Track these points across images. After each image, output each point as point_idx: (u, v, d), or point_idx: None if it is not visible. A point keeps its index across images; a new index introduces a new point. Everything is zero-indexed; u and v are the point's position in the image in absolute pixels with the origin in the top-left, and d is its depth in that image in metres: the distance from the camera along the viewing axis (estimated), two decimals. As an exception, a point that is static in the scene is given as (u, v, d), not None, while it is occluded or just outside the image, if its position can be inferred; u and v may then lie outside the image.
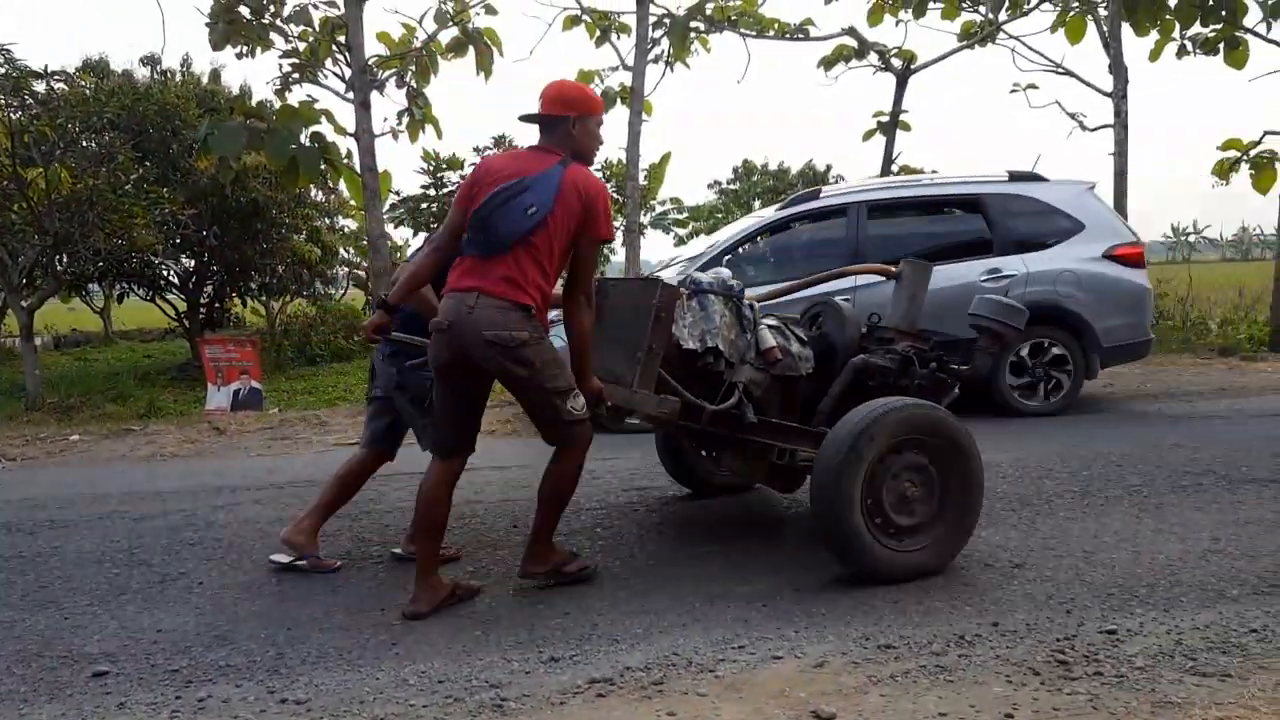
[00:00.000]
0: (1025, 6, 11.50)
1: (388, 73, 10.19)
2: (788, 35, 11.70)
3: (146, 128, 10.68)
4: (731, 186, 26.36)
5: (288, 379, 11.59)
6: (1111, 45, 10.52)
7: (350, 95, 9.48)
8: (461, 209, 3.29)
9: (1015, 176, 7.11)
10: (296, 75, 9.96)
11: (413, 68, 10.34)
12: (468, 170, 12.90)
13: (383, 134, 9.77)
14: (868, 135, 12.58)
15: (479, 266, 3.21)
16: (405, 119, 10.55)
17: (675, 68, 11.93)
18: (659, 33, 11.38)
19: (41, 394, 9.15)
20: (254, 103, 10.36)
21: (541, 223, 3.15)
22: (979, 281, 6.56)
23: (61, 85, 10.29)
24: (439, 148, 12.87)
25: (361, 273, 15.38)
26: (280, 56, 9.79)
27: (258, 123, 8.76)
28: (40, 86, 9.87)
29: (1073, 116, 11.45)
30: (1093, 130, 11.22)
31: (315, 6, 9.52)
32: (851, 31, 11.81)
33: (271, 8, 9.43)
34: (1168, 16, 10.53)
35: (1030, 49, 11.71)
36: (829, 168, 24.54)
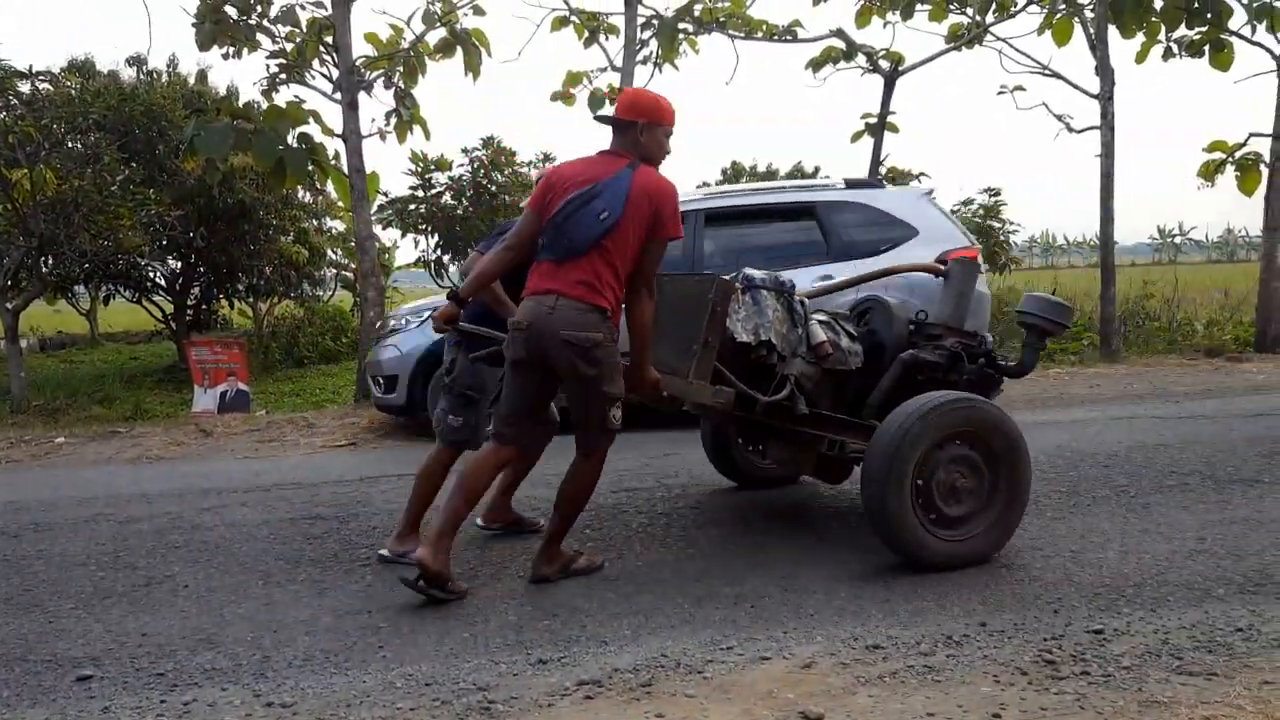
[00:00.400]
0: (1012, 8, 11.55)
1: (375, 73, 10.17)
2: (776, 37, 11.72)
3: (133, 128, 10.60)
4: (721, 188, 26.39)
5: (275, 381, 11.54)
6: (1098, 47, 10.58)
7: (338, 96, 9.45)
8: (535, 213, 3.43)
9: (852, 184, 7.18)
10: (284, 76, 9.92)
11: (400, 68, 10.32)
12: (456, 172, 12.87)
13: (370, 135, 9.75)
14: (855, 137, 12.62)
15: (556, 270, 3.36)
16: (393, 120, 10.52)
17: (664, 69, 11.96)
18: (647, 34, 11.39)
19: (27, 396, 9.08)
20: (241, 104, 10.34)
21: (613, 227, 3.30)
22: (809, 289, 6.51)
23: (46, 86, 10.22)
24: (427, 149, 12.79)
25: (349, 274, 15.32)
26: (267, 57, 9.76)
27: (245, 124, 8.73)
28: (25, 87, 9.80)
29: (1059, 118, 11.50)
30: (1079, 132, 11.27)
31: (302, 7, 9.50)
32: (839, 33, 11.84)
33: (258, 8, 9.40)
34: (1154, 19, 10.61)
35: (1017, 51, 11.76)
36: (817, 169, 24.53)
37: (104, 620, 3.37)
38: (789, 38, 11.77)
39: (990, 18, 11.64)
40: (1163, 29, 10.76)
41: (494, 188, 12.61)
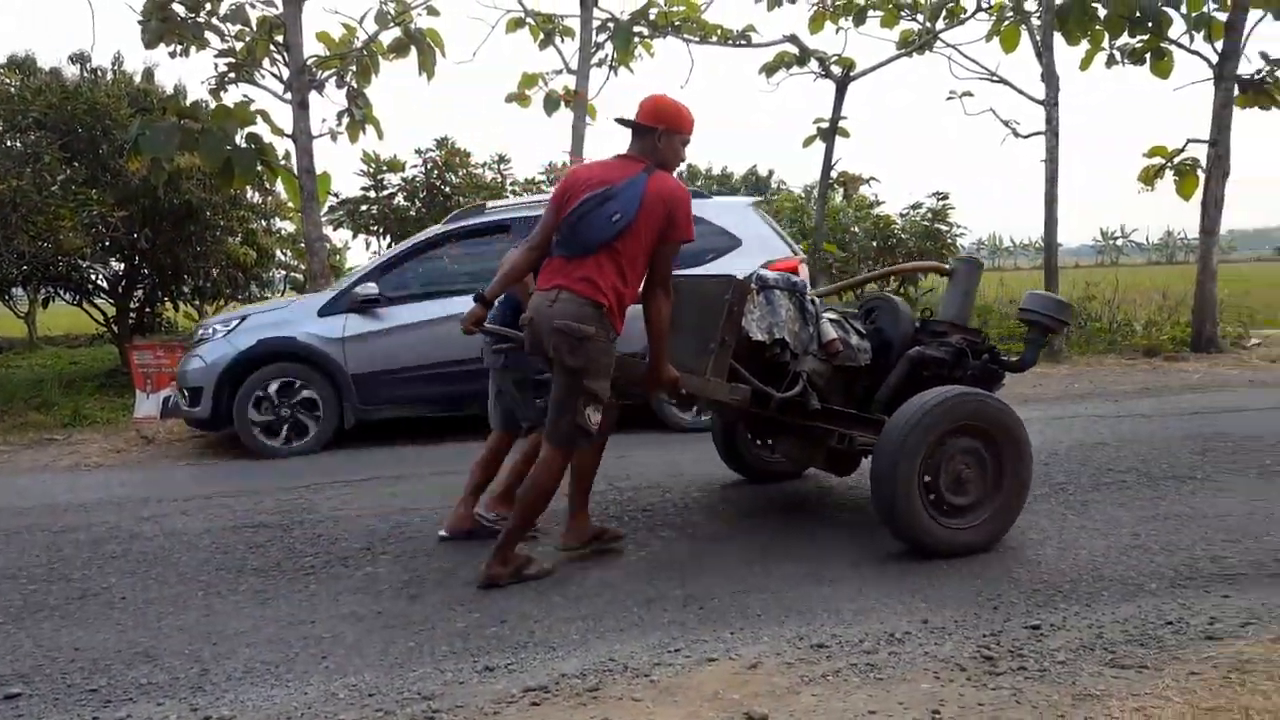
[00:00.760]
0: (962, 15, 11.76)
1: (327, 73, 10.05)
2: (730, 41, 11.79)
3: (75, 127, 10.34)
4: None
5: (223, 385, 11.29)
6: (1044, 54, 10.79)
7: (288, 96, 9.32)
8: (555, 212, 3.55)
9: None
10: (232, 75, 9.77)
11: (353, 68, 10.21)
12: (409, 172, 12.77)
13: (321, 135, 9.63)
14: (808, 141, 12.74)
15: (564, 267, 3.49)
16: (345, 120, 10.41)
17: (619, 72, 11.97)
18: (603, 37, 11.39)
19: (-40, 403, 8.80)
20: (188, 103, 10.12)
21: (625, 229, 3.41)
22: None
23: (-16, 83, 9.93)
24: (380, 149, 12.68)
25: (299, 275, 15.09)
26: (216, 56, 9.61)
27: (192, 123, 8.58)
28: (-40, 84, 9.51)
29: (1006, 124, 11.72)
30: (1026, 137, 11.50)
31: (252, 5, 9.36)
32: (793, 39, 11.94)
33: (207, 6, 9.23)
34: (1098, 27, 10.87)
35: (966, 57, 11.96)
36: (771, 173, 24.86)
37: (34, 635, 3.27)
38: (743, 42, 11.85)
39: (940, 24, 11.85)
40: (1106, 37, 11.03)
41: (448, 189, 12.52)
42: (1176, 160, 11.16)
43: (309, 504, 4.90)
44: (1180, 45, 10.83)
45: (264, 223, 13.68)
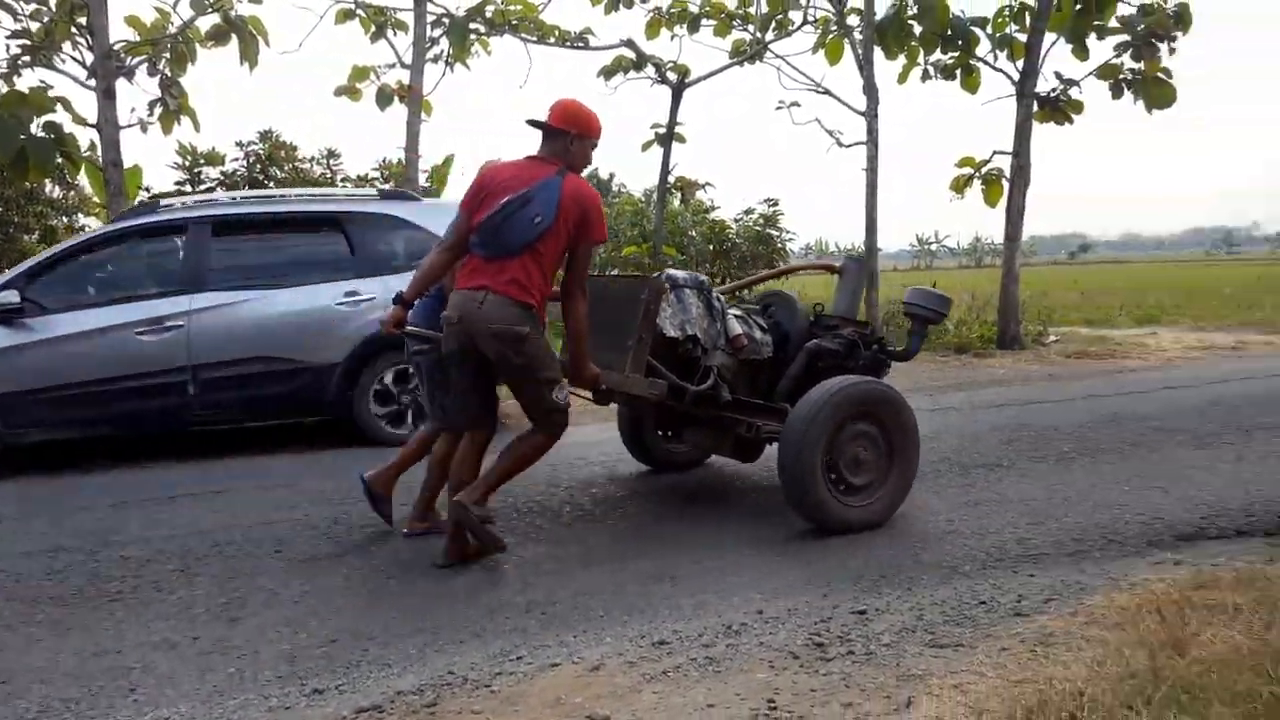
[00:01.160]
0: (789, 28, 12.25)
1: (137, 59, 9.36)
2: (568, 43, 11.80)
3: None
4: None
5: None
6: (864, 68, 11.38)
7: (92, 82, 8.62)
8: (468, 213, 3.67)
9: (387, 195, 6.96)
10: (27, 58, 8.97)
11: (167, 55, 9.55)
12: (229, 166, 12.08)
13: (130, 125, 8.99)
14: (645, 146, 12.93)
15: (487, 267, 3.60)
16: (158, 109, 9.73)
17: (455, 68, 11.75)
18: (438, 32, 11.15)
19: None
20: (-26, 87, 9.20)
21: (546, 231, 3.55)
22: (334, 305, 6.25)
23: None
24: (197, 141, 11.95)
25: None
26: (8, 37, 8.84)
27: (-22, 110, 7.81)
28: None
29: (831, 133, 12.28)
30: (848, 147, 12.09)
31: (50, -18, 8.60)
32: (629, 43, 12.09)
33: (-4, -20, 8.42)
34: (913, 43, 11.58)
35: (794, 68, 12.48)
36: (612, 176, 25.05)
37: None
38: (580, 45, 11.89)
39: (770, 35, 12.29)
40: (921, 52, 11.76)
41: (272, 184, 11.92)
42: (984, 170, 12.03)
43: (117, 524, 4.52)
44: (986, 63, 11.69)
45: (65, 219, 12.62)
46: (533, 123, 3.75)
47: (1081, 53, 11.35)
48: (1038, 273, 32.90)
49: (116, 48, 8.75)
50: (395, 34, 11.25)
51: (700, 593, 3.41)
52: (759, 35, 12.29)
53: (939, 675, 2.64)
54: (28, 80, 9.16)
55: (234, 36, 9.68)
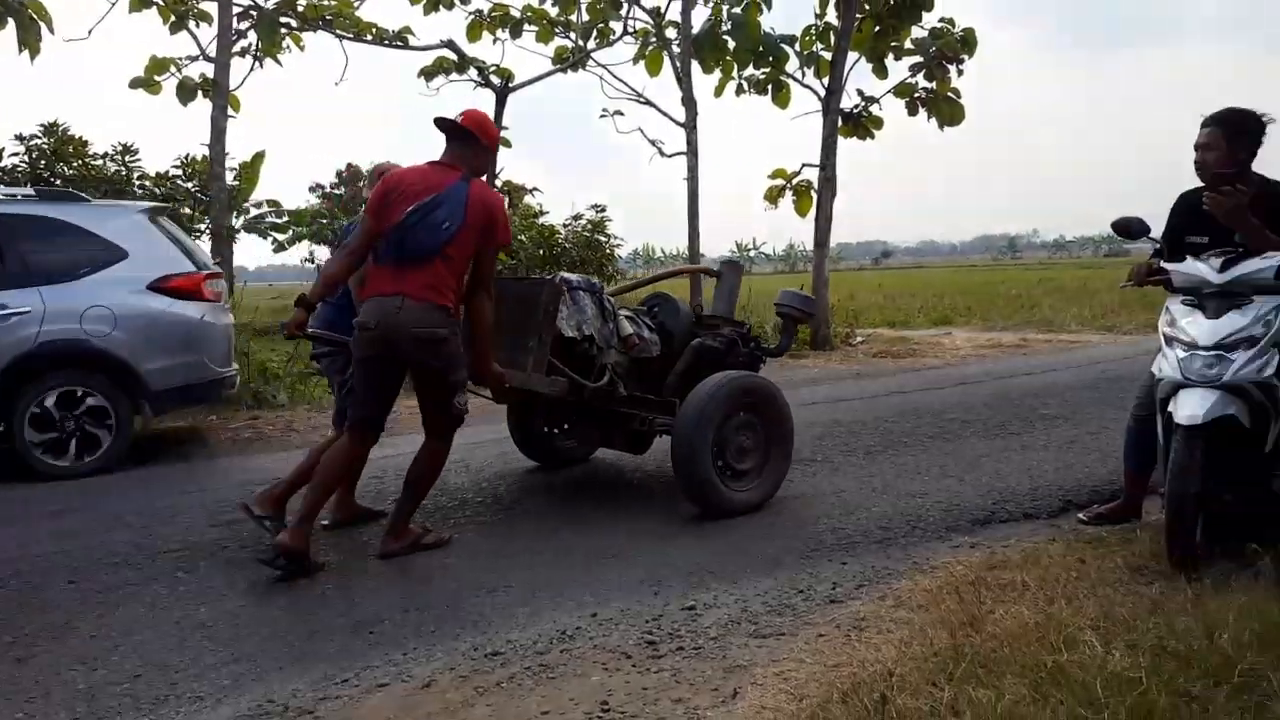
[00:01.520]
0: (611, 38, 12.44)
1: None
2: (385, 41, 11.48)
3: None
4: (336, 191, 25.25)
5: None
6: (683, 80, 11.72)
7: None
8: (374, 218, 3.72)
9: (46, 196, 6.38)
10: None
11: (-77, 38, 8.55)
12: (8, 161, 10.99)
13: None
14: (470, 148, 12.74)
15: (399, 273, 3.66)
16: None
17: (266, 63, 11.17)
18: (246, 25, 10.57)
19: None
20: None
21: (455, 235, 3.64)
22: None
23: None
24: (-35, 134, 10.77)
25: None
26: None
27: None
28: None
29: (653, 143, 12.56)
30: (670, 156, 12.41)
31: None
32: (450, 44, 11.91)
33: None
34: (728, 58, 12.03)
35: (616, 77, 12.66)
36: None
37: None
38: (399, 44, 11.59)
39: (591, 44, 12.43)
40: (735, 67, 12.23)
41: (59, 181, 10.90)
42: (794, 181, 12.65)
43: None
44: (796, 79, 12.32)
45: None
46: (444, 123, 3.84)
47: (881, 72, 12.17)
48: (845, 277, 34.86)
49: None
50: (198, 25, 10.58)
51: (533, 600, 3.40)
52: (581, 43, 12.41)
53: (763, 665, 2.77)
54: None
55: (10, 21, 8.80)
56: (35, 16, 8.95)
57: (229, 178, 10.30)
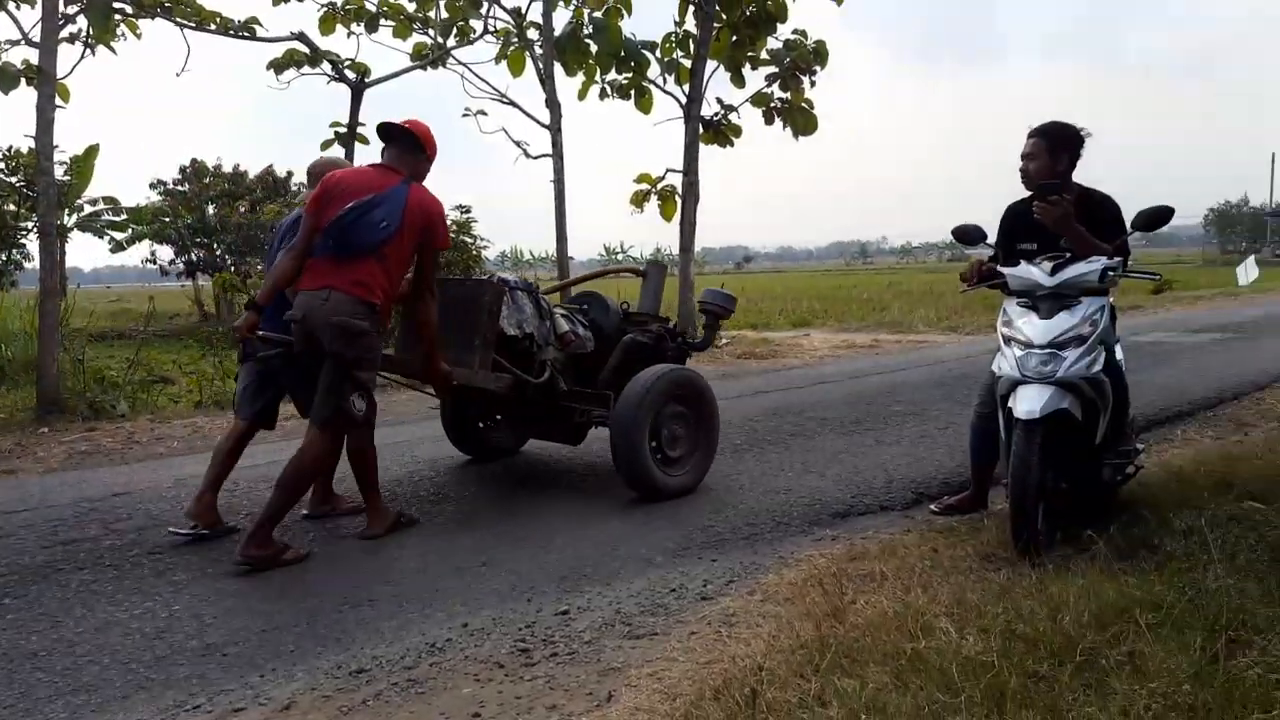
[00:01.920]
0: (471, 36, 12.23)
1: None
2: (231, 31, 10.89)
3: None
4: (180, 188, 23.78)
5: None
6: (546, 82, 11.67)
7: None
8: (313, 216, 3.82)
9: None
10: None
11: None
12: None
13: None
14: (325, 145, 12.26)
15: (333, 268, 3.76)
16: None
17: (99, 51, 10.38)
18: (74, 9, 9.79)
19: None
20: None
21: (391, 235, 3.75)
22: None
23: None
24: None
25: None
26: None
27: None
28: None
29: (518, 144, 12.43)
30: (536, 158, 12.32)
31: None
32: (301, 37, 11.40)
33: None
34: (590, 62, 12.04)
35: (478, 77, 12.46)
36: (290, 174, 23.48)
37: None
38: (246, 35, 11.02)
39: (451, 41, 12.19)
40: (598, 71, 12.27)
41: None
42: (659, 186, 12.81)
43: None
44: (657, 85, 12.46)
45: None
46: (389, 128, 3.96)
47: (739, 80, 12.48)
48: (709, 281, 35.38)
49: None
50: (19, 7, 9.72)
51: (400, 613, 3.30)
52: (440, 40, 12.15)
53: (637, 666, 2.78)
54: None
55: None
56: None
57: (59, 172, 9.50)
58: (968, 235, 3.94)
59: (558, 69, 11.79)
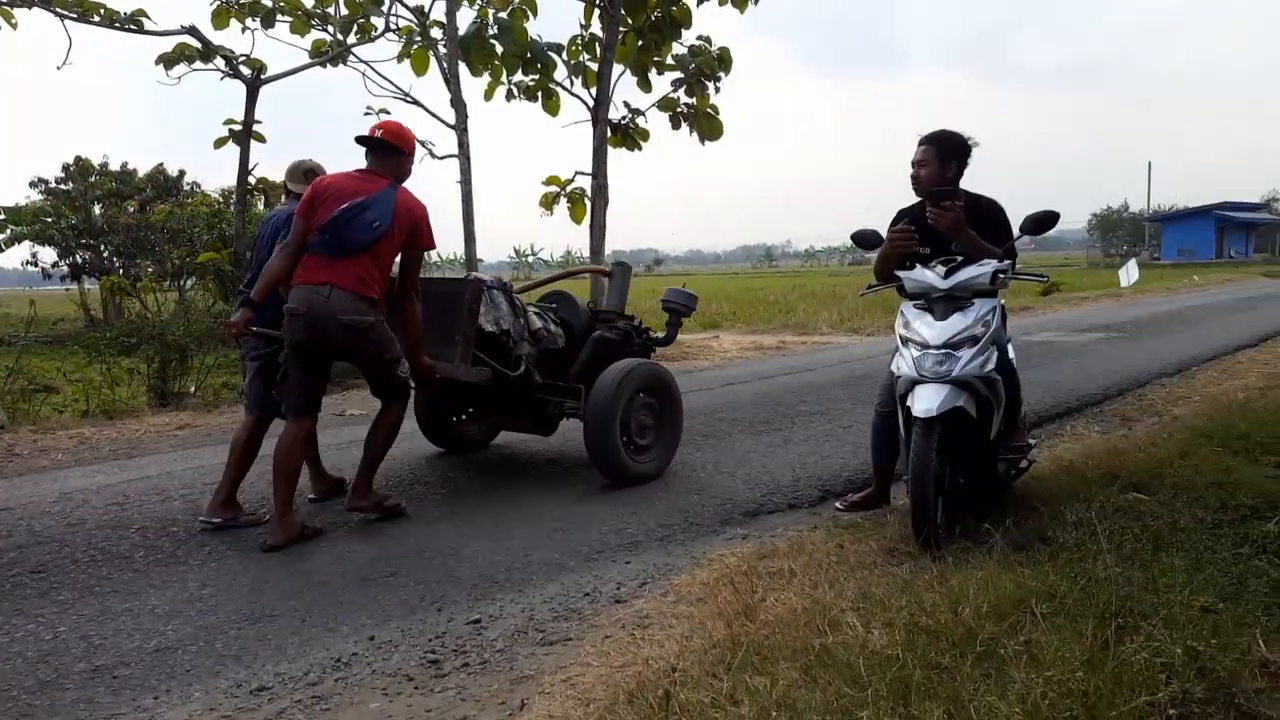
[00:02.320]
0: (372, 33, 11.95)
1: None
2: (117, 24, 10.39)
3: None
4: (63, 187, 22.56)
5: None
6: (451, 82, 11.49)
7: None
8: (304, 219, 4.06)
9: None
10: None
11: None
12: None
13: None
14: (219, 143, 11.78)
15: (329, 265, 4.00)
16: None
17: (-35, 41, 9.77)
18: (-61, -4, 9.18)
19: None
20: None
21: (383, 235, 4.02)
22: None
23: None
24: None
25: None
26: None
27: None
28: None
29: (424, 144, 12.20)
30: (442, 159, 12.12)
31: None
32: (193, 31, 10.95)
33: None
34: (496, 62, 11.92)
35: (381, 75, 12.18)
36: (183, 173, 22.55)
37: None
38: (133, 28, 10.52)
39: (352, 39, 11.89)
40: (504, 72, 12.14)
41: None
42: (568, 189, 12.76)
43: None
44: (564, 88, 12.42)
45: None
46: (365, 139, 4.18)
47: (645, 85, 12.53)
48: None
49: None
50: (-126, -9, 9.07)
51: (304, 628, 3.19)
52: (340, 37, 11.84)
53: (550, 672, 2.76)
54: None
55: None
56: None
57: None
58: (866, 240, 4.06)
59: (463, 69, 11.63)
